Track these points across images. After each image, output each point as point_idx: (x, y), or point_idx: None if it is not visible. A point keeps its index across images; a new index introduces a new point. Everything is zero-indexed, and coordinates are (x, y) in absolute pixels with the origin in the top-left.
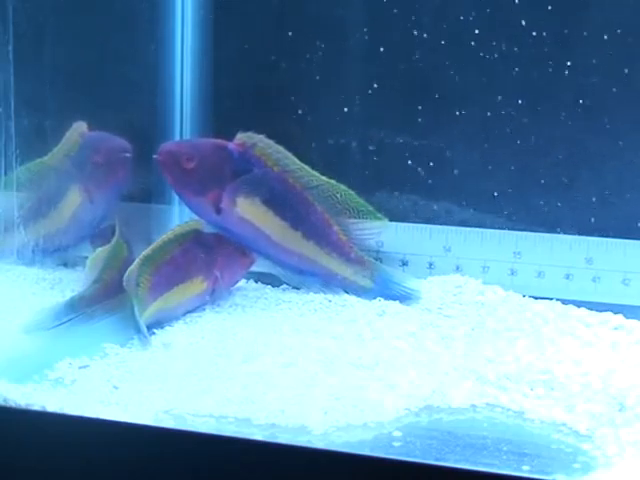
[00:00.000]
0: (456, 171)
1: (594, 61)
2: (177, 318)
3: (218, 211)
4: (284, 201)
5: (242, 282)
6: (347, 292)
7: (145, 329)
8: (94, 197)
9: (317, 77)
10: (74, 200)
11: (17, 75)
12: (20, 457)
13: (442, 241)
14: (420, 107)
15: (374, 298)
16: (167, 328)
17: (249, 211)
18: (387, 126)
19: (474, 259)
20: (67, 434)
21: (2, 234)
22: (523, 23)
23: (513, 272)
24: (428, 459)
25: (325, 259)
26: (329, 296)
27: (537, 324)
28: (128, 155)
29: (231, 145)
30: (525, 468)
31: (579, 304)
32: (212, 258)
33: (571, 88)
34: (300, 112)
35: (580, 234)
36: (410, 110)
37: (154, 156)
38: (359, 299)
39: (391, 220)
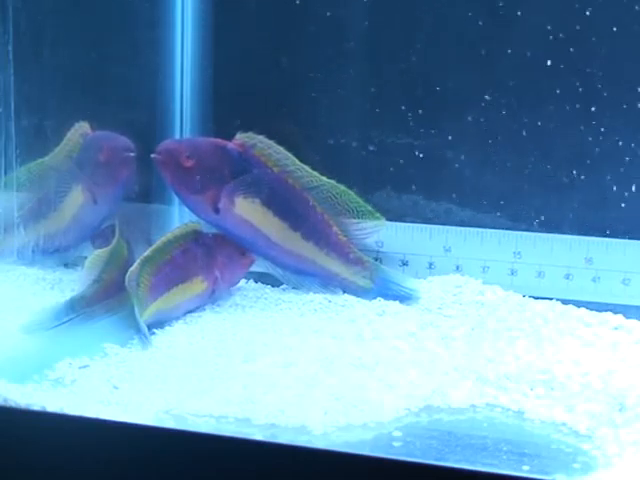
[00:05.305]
0: (456, 171)
1: (594, 60)
2: (177, 318)
3: (216, 210)
4: (283, 202)
5: (242, 282)
6: (347, 292)
7: (145, 329)
8: (98, 197)
9: (317, 77)
10: (76, 200)
11: (17, 75)
12: (20, 457)
13: (442, 241)
14: (420, 107)
15: (374, 298)
16: (167, 328)
17: (248, 212)
18: (387, 126)
19: (474, 259)
20: (67, 434)
21: (2, 234)
22: (523, 23)
23: (513, 272)
24: (428, 459)
25: (324, 260)
26: (329, 296)
27: (537, 324)
28: (132, 154)
29: (230, 145)
30: (525, 468)
31: (579, 304)
32: (212, 258)
33: (571, 88)
34: (300, 112)
35: (580, 234)
36: (410, 110)
37: (152, 154)
38: (359, 299)
39: (391, 220)
